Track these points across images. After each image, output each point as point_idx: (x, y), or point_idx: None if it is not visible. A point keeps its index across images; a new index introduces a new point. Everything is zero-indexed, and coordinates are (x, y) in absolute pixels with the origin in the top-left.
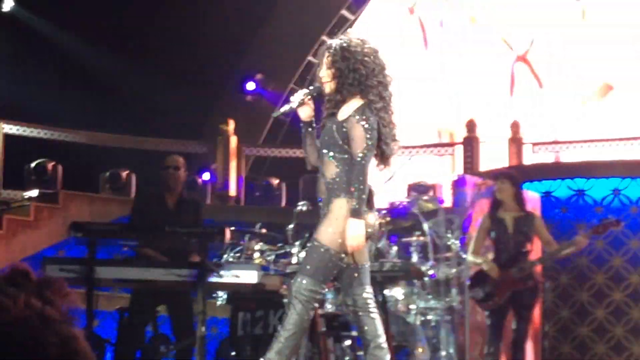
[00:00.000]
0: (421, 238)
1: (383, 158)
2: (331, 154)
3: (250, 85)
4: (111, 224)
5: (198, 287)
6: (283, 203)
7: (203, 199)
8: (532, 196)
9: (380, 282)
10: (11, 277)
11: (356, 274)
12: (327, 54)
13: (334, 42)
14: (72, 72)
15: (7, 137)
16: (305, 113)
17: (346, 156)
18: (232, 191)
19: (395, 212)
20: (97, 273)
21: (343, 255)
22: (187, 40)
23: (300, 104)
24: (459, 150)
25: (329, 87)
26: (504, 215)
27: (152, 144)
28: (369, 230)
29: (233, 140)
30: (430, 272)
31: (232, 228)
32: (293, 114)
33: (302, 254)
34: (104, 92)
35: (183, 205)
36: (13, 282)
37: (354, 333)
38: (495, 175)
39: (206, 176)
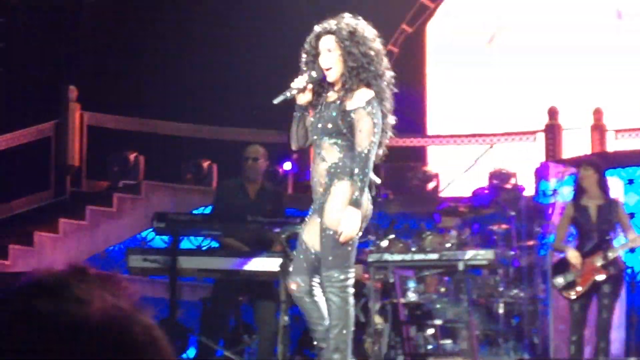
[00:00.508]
0: (504, 226)
1: (379, 146)
2: (332, 140)
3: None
4: (193, 214)
5: (280, 277)
6: None
7: (284, 189)
8: (615, 183)
9: (463, 270)
10: (73, 273)
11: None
12: (332, 38)
13: (338, 26)
14: (153, 63)
15: (90, 128)
16: (305, 99)
17: (349, 143)
18: None
19: (477, 200)
20: (180, 263)
21: (359, 234)
22: (267, 31)
23: (301, 89)
24: (541, 137)
25: (334, 73)
26: (588, 203)
27: (233, 134)
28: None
29: None
30: (514, 260)
31: None
32: None
33: (385, 243)
34: (184, 83)
35: (264, 195)
36: (78, 279)
37: (437, 322)
38: (579, 162)
39: (287, 166)
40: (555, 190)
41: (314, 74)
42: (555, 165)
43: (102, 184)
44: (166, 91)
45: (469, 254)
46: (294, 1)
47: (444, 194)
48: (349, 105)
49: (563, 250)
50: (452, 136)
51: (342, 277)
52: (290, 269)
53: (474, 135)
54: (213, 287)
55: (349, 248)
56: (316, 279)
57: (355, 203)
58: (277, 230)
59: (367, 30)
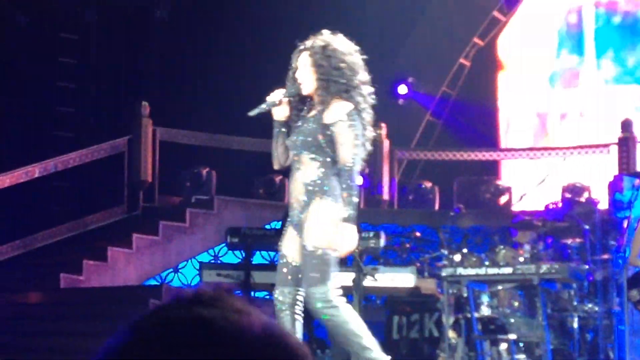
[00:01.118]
0: (578, 240)
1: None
2: (312, 155)
3: (402, 89)
4: (266, 229)
5: (354, 291)
6: (436, 206)
7: None
8: None
9: (537, 284)
10: (223, 290)
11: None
12: (306, 53)
13: (313, 42)
14: (224, 78)
15: (163, 143)
16: (282, 113)
17: (328, 159)
18: (385, 195)
19: (551, 214)
20: (253, 278)
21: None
22: None
23: (276, 104)
24: (615, 150)
25: (309, 87)
26: None
27: None
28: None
29: (386, 144)
30: (588, 274)
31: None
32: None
33: (458, 257)
34: (255, 98)
35: None
36: (229, 294)
37: (511, 336)
38: None
39: (359, 180)
40: (629, 203)
41: (290, 88)
42: (630, 178)
43: (175, 199)
44: (238, 106)
45: (543, 267)
46: (359, 26)
47: (516, 207)
48: (327, 118)
49: (638, 264)
50: (525, 149)
51: (322, 290)
52: (276, 279)
53: (546, 149)
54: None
55: (331, 262)
56: (301, 292)
57: (349, 219)
58: None
59: (342, 44)
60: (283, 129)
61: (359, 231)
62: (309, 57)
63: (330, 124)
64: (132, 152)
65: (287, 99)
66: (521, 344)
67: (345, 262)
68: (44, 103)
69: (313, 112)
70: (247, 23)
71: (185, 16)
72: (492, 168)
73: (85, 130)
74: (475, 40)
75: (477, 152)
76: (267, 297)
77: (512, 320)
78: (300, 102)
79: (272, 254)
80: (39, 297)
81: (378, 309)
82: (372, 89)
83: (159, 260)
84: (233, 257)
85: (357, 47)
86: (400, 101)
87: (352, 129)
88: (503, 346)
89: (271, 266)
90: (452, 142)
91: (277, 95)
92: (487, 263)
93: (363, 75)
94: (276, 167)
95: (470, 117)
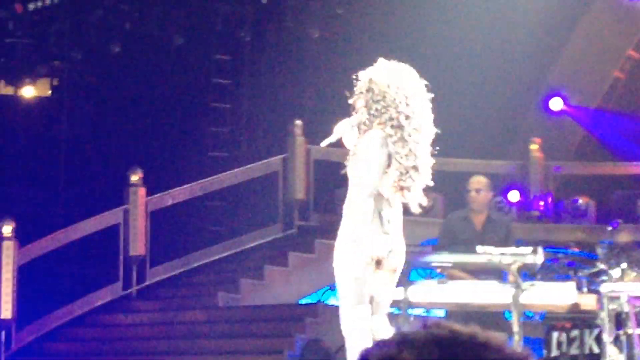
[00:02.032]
0: None
1: (400, 188)
2: (355, 181)
3: (556, 103)
4: (423, 245)
5: (513, 308)
6: (594, 221)
7: (512, 219)
8: None
9: None
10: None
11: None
12: (358, 84)
13: (364, 74)
14: None
15: (317, 162)
16: (350, 141)
17: (356, 181)
18: (541, 210)
19: None
20: (409, 294)
21: (366, 267)
22: (490, 60)
23: (343, 133)
24: None
25: (360, 116)
26: None
27: (457, 165)
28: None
29: (540, 159)
30: None
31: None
32: None
33: (617, 272)
34: None
35: (491, 226)
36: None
37: None
38: None
39: (514, 195)
40: None
41: (353, 117)
42: None
43: (330, 217)
44: None
45: None
46: (509, 39)
47: None
48: (360, 145)
49: None
50: None
51: (346, 313)
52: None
53: None
54: (444, 319)
55: (359, 282)
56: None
57: (355, 241)
58: (508, 261)
59: (386, 77)
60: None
61: (516, 246)
62: (358, 89)
63: (359, 149)
64: (287, 170)
65: (353, 127)
66: None
67: (502, 278)
68: (199, 123)
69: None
70: (395, 39)
71: (337, 36)
72: None
73: (239, 149)
74: (630, 52)
75: (633, 165)
76: (424, 314)
77: None
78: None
79: (428, 271)
80: (198, 316)
81: (537, 325)
82: (419, 123)
83: (315, 279)
84: None
85: (409, 76)
86: (554, 115)
87: (369, 150)
88: None
89: (429, 283)
90: (607, 156)
91: (345, 124)
92: None
93: (405, 107)
94: None
95: (626, 129)
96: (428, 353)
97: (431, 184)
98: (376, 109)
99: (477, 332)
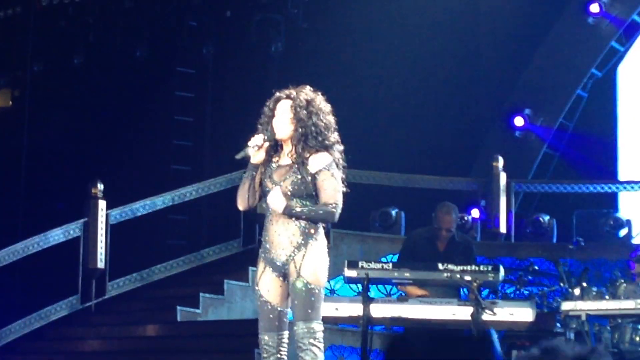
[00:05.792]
0: None
1: None
2: (304, 202)
3: (519, 121)
4: (384, 262)
5: (472, 326)
6: (554, 239)
7: (473, 236)
8: None
9: None
10: None
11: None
12: (288, 102)
13: (297, 94)
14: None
15: None
16: (259, 158)
17: (316, 204)
18: (502, 228)
19: None
20: (370, 311)
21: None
22: (453, 77)
23: (259, 146)
24: None
25: (282, 134)
26: None
27: (421, 181)
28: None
29: (502, 177)
30: None
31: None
32: None
33: (577, 291)
34: (374, 131)
35: (453, 247)
36: None
37: None
38: None
39: (475, 213)
40: None
41: (267, 133)
42: None
43: None
44: (357, 140)
45: None
46: (474, 58)
47: (636, 240)
48: (312, 168)
49: None
50: None
51: (320, 329)
52: (261, 326)
53: None
54: (401, 335)
55: (322, 301)
56: (285, 335)
57: (288, 211)
58: (468, 278)
59: (323, 104)
60: (254, 172)
61: (477, 264)
62: (291, 108)
63: (315, 172)
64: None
65: (267, 144)
66: None
67: (460, 297)
68: (162, 136)
69: (288, 161)
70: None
71: (301, 50)
72: (611, 200)
73: (202, 163)
74: (594, 71)
75: (595, 184)
76: (383, 331)
77: (635, 356)
78: (271, 148)
79: (387, 287)
80: (158, 330)
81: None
82: (342, 148)
83: None
84: (349, 291)
85: (331, 108)
86: (517, 133)
87: (334, 177)
88: None
89: (390, 300)
90: (569, 175)
91: (259, 139)
92: (607, 297)
93: (336, 137)
94: (242, 208)
95: (588, 149)
96: None
97: None
98: (314, 133)
99: None
